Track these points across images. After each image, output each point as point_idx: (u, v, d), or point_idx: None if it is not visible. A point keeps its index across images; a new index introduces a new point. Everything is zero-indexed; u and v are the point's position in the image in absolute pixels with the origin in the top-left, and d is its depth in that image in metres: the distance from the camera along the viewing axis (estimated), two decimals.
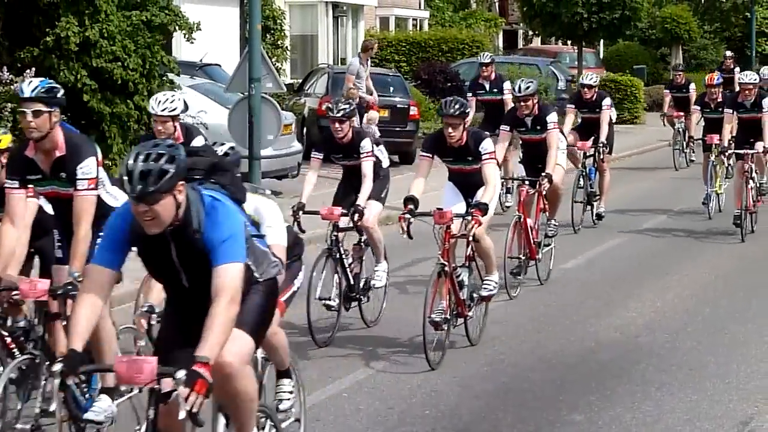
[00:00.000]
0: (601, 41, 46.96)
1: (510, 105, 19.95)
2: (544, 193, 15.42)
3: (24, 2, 19.14)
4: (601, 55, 51.48)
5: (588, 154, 20.16)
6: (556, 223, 16.54)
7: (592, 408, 10.54)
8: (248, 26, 20.77)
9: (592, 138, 19.82)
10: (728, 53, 38.83)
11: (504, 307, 14.34)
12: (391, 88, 29.21)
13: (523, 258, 15.32)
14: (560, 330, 13.46)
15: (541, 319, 13.93)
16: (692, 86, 28.34)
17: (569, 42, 45.77)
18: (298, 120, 26.75)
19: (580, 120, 20.66)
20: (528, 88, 15.65)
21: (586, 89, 20.16)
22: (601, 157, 20.05)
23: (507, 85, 21.72)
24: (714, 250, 18.46)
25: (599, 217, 20.42)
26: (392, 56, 40.19)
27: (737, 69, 33.06)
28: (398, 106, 28.93)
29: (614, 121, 21.16)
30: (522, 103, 15.69)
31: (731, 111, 19.55)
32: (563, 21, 39.62)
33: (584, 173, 19.97)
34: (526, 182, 15.63)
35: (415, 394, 10.99)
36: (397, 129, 28.31)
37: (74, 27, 18.86)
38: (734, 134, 20.00)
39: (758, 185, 20.24)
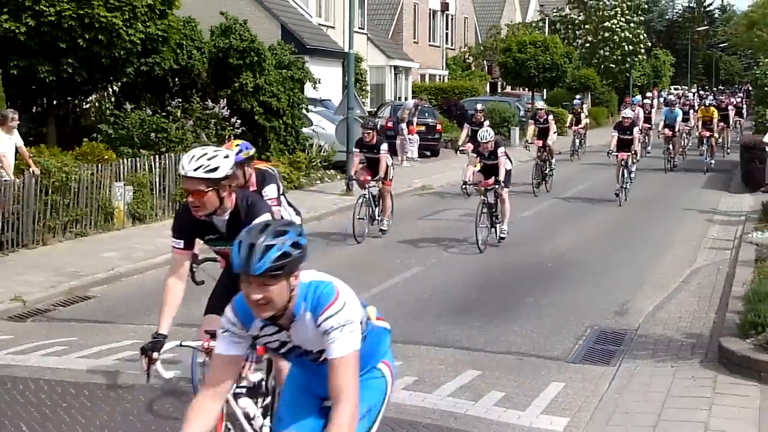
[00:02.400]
0: (545, 89, 46.56)
1: None
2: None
3: (222, 64, 19.29)
4: (545, 96, 50.91)
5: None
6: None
7: (537, 293, 10.52)
8: (347, 78, 20.81)
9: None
10: (479, 106, 21.96)
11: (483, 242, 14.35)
12: (426, 114, 29.27)
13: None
14: (519, 251, 13.36)
15: (507, 246, 13.79)
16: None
17: (527, 89, 45.48)
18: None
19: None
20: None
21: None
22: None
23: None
24: (606, 209, 18.20)
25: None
26: (426, 96, 39.97)
27: (487, 123, 20.00)
28: (430, 124, 29.02)
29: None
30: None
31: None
32: (523, 76, 39.83)
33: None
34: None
35: (437, 287, 11.01)
36: (429, 137, 28.82)
37: (250, 78, 19.00)
38: None
39: None
